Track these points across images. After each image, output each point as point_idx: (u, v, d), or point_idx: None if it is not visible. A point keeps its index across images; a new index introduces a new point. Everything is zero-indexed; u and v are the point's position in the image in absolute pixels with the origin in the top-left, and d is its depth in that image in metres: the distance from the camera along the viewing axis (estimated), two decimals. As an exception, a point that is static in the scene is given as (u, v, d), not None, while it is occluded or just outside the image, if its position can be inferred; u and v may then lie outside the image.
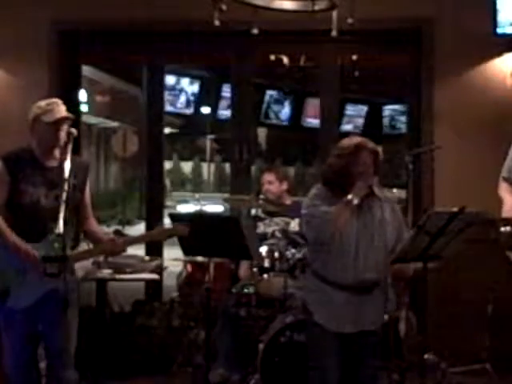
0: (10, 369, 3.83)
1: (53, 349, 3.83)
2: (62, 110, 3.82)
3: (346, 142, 3.86)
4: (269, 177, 5.49)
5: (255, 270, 4.99)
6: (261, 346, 4.60)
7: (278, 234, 5.09)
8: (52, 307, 3.63)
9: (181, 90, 14.13)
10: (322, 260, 3.77)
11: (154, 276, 5.54)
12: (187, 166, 26.68)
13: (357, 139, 3.86)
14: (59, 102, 3.88)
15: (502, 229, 4.46)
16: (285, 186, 5.50)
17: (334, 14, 3.88)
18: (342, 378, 3.75)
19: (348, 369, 3.76)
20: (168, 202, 15.66)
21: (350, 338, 3.75)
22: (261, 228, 5.34)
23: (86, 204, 3.98)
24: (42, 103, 3.84)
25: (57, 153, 3.81)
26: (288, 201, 5.50)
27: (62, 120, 3.78)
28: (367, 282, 3.73)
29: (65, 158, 3.60)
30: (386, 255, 3.76)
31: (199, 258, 5.11)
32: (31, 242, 3.71)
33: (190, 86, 14.27)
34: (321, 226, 3.69)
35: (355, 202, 3.61)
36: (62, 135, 3.75)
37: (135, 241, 4.17)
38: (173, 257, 5.53)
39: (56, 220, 3.48)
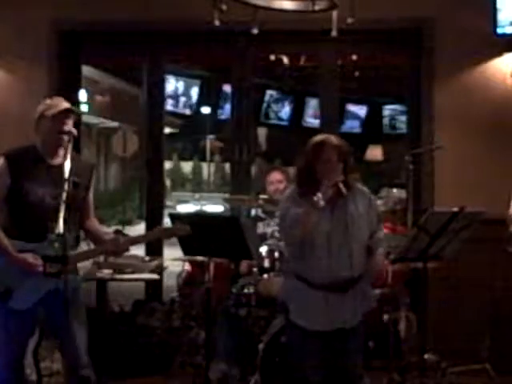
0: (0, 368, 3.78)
1: (66, 349, 3.82)
2: (65, 104, 3.80)
3: (310, 140, 3.83)
4: (278, 175, 5.39)
5: (255, 269, 5.00)
6: (261, 345, 4.61)
7: (277, 234, 5.08)
8: (55, 307, 3.63)
9: (181, 90, 14.14)
10: (298, 259, 3.77)
11: (154, 276, 5.55)
12: (187, 166, 26.65)
13: (320, 136, 3.83)
14: (63, 99, 3.87)
15: None
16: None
17: (334, 14, 3.89)
18: (325, 378, 3.73)
19: (331, 368, 3.74)
20: (168, 202, 15.64)
21: (329, 336, 3.72)
22: (261, 228, 5.34)
23: (89, 204, 3.96)
24: (47, 101, 3.85)
25: (61, 151, 3.78)
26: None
27: (65, 112, 3.75)
28: (342, 280, 3.69)
29: (66, 158, 3.60)
30: (360, 252, 3.75)
31: (199, 258, 5.11)
32: (33, 242, 3.68)
33: (189, 86, 14.27)
34: (291, 229, 3.69)
35: (321, 203, 3.54)
36: (66, 129, 3.71)
37: (137, 241, 4.15)
38: (173, 257, 5.52)
39: (58, 220, 3.49)
